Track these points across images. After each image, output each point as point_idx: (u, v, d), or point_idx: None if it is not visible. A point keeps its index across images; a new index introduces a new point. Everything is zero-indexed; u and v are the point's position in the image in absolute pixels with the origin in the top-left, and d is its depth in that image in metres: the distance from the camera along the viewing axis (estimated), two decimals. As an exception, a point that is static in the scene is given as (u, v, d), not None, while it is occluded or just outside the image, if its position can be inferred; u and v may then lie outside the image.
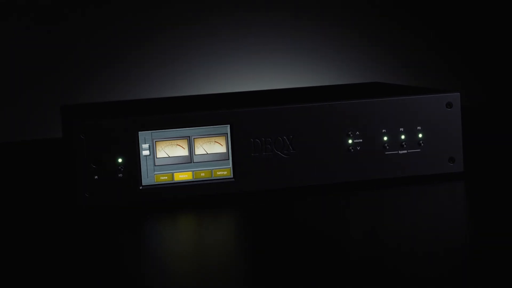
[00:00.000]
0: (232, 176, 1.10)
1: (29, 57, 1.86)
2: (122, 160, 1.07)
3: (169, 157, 1.09)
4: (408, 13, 2.00)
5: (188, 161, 1.09)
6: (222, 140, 1.10)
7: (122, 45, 1.91)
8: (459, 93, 1.16)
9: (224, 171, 1.10)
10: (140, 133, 1.08)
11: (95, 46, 1.89)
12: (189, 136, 1.09)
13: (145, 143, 1.08)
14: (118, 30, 1.90)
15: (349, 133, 1.13)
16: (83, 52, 1.89)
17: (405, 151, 1.14)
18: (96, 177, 1.06)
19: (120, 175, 1.07)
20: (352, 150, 1.13)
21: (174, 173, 1.09)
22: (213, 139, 1.10)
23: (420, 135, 1.15)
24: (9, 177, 1.38)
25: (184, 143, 1.09)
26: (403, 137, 1.14)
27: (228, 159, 1.10)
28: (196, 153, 1.09)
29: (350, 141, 1.13)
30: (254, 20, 1.95)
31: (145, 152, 1.08)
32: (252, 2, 1.94)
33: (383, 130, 1.14)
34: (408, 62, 2.01)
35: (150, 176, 1.08)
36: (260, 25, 1.95)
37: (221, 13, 1.93)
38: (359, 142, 1.13)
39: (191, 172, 1.09)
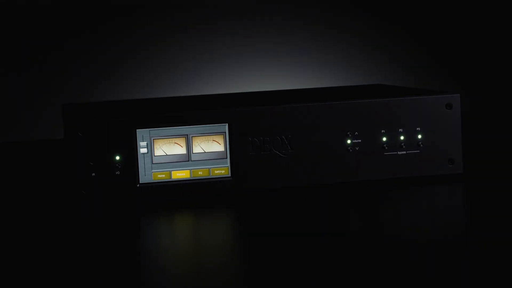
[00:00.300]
0: (230, 175, 1.10)
1: (33, 58, 1.86)
2: (120, 157, 1.07)
3: (167, 155, 1.08)
4: (413, 21, 2.00)
5: (186, 159, 1.09)
6: (220, 139, 1.09)
7: (126, 48, 1.91)
8: (459, 94, 1.15)
9: (222, 170, 1.10)
10: (138, 131, 1.07)
11: (99, 48, 1.89)
12: (187, 135, 1.09)
13: (143, 141, 1.08)
14: (121, 32, 1.90)
15: (348, 133, 1.12)
16: (87, 53, 1.89)
17: (404, 152, 1.14)
18: (93, 174, 1.06)
19: (117, 172, 1.07)
20: (350, 150, 1.13)
21: (172, 171, 1.08)
22: (211, 137, 1.09)
23: (420, 136, 1.14)
24: (11, 177, 1.38)
25: (182, 142, 1.09)
26: (402, 137, 1.14)
27: (226, 158, 1.10)
28: (194, 152, 1.09)
29: (349, 141, 1.13)
30: (257, 23, 1.94)
31: (143, 150, 1.08)
32: (254, 6, 1.94)
33: (382, 131, 1.13)
34: (412, 66, 2.01)
35: (148, 174, 1.08)
36: (263, 29, 1.95)
37: (223, 17, 1.93)
38: (358, 142, 1.13)
39: (188, 171, 1.09)
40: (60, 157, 1.47)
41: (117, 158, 1.07)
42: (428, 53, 2.01)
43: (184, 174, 1.09)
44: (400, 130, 1.14)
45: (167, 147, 1.08)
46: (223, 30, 1.93)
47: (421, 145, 1.14)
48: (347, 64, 1.97)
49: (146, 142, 1.08)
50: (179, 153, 1.09)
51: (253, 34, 1.94)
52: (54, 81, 1.88)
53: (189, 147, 1.09)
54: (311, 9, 1.96)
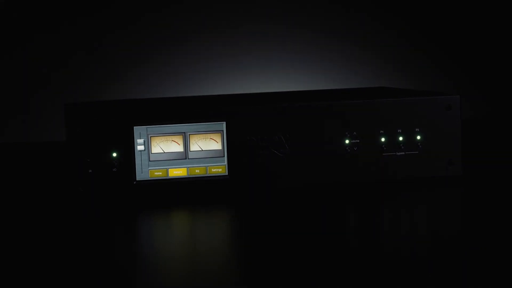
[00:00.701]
0: (227, 173, 1.09)
1: (38, 61, 1.87)
2: (117, 154, 1.07)
3: (164, 152, 1.08)
4: (416, 28, 2.00)
5: (183, 157, 1.09)
6: (217, 137, 1.09)
7: (136, 51, 1.91)
8: (458, 96, 1.15)
9: (219, 168, 1.09)
10: (135, 128, 1.07)
11: (101, 51, 1.90)
12: (185, 132, 1.09)
13: (140, 138, 1.08)
14: (129, 36, 1.90)
15: (346, 133, 1.12)
16: (93, 56, 1.89)
17: (403, 153, 1.13)
18: (90, 170, 1.06)
19: (114, 169, 1.07)
20: (349, 151, 1.12)
21: (169, 169, 1.08)
22: (208, 136, 1.09)
23: (419, 137, 1.14)
24: (11, 177, 1.38)
25: (179, 139, 1.08)
26: (401, 138, 1.13)
27: (224, 156, 1.09)
28: (191, 150, 1.09)
29: (347, 141, 1.12)
30: (260, 28, 1.94)
31: (140, 147, 1.08)
32: (258, 10, 1.94)
33: (381, 131, 1.13)
34: (414, 71, 2.01)
35: (145, 171, 1.08)
36: (267, 34, 1.95)
37: (226, 20, 1.93)
38: (356, 142, 1.12)
39: (185, 169, 1.09)
40: (62, 157, 1.47)
41: (114, 155, 1.07)
42: (428, 58, 2.01)
43: (181, 172, 1.08)
44: (399, 131, 1.13)
45: (164, 144, 1.08)
46: (225, 33, 1.93)
47: (420, 146, 1.14)
48: (351, 69, 1.97)
49: (143, 140, 1.08)
50: (176, 150, 1.08)
51: (256, 38, 1.94)
52: (57, 83, 1.88)
53: (186, 145, 1.09)
54: (315, 16, 1.96)
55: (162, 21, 1.92)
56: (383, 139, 1.13)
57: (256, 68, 1.94)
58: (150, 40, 1.91)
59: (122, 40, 1.91)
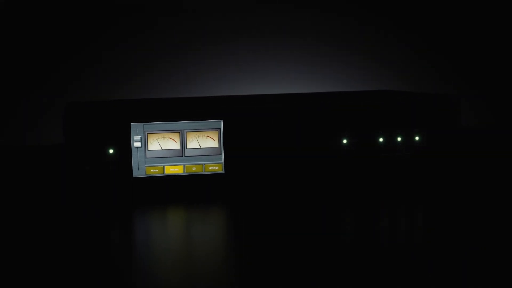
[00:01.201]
0: (223, 171, 1.09)
1: (42, 64, 1.88)
2: (114, 151, 1.07)
3: (161, 150, 1.08)
4: (422, 37, 2.00)
5: (180, 154, 1.09)
6: (214, 135, 1.09)
7: (147, 57, 1.92)
8: (458, 97, 1.15)
9: (216, 166, 1.09)
10: (132, 124, 1.07)
11: (103, 55, 1.90)
12: (182, 130, 1.08)
13: (136, 135, 1.08)
14: (130, 38, 1.91)
15: (345, 133, 1.12)
16: (95, 59, 1.90)
17: (401, 153, 1.13)
18: (87, 167, 1.06)
19: (111, 166, 1.07)
20: (347, 150, 1.12)
21: (165, 166, 1.08)
22: (205, 133, 1.09)
23: (417, 138, 1.13)
24: (13, 177, 1.39)
25: (176, 137, 1.08)
26: (399, 139, 1.13)
27: (220, 154, 1.09)
28: (188, 147, 1.09)
29: (345, 141, 1.12)
30: (264, 33, 1.95)
31: (137, 144, 1.08)
32: (262, 16, 1.94)
33: (380, 132, 1.13)
34: (420, 79, 2.01)
35: (141, 168, 1.08)
36: (269, 39, 1.95)
37: (228, 20, 1.94)
38: (355, 142, 1.12)
39: (182, 166, 1.09)
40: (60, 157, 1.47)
41: (111, 151, 1.07)
42: (431, 63, 2.01)
43: (177, 169, 1.08)
44: (397, 131, 1.13)
45: (161, 141, 1.08)
46: (226, 38, 1.93)
47: (419, 147, 1.13)
48: (354, 73, 1.97)
49: (140, 136, 1.08)
50: (173, 148, 1.08)
51: (260, 43, 1.95)
52: (59, 85, 1.89)
53: (183, 142, 1.08)
54: (319, 22, 1.96)
55: (163, 22, 1.92)
56: (381, 140, 1.13)
57: (258, 70, 1.94)
58: (151, 42, 1.92)
59: (122, 41, 1.91)
